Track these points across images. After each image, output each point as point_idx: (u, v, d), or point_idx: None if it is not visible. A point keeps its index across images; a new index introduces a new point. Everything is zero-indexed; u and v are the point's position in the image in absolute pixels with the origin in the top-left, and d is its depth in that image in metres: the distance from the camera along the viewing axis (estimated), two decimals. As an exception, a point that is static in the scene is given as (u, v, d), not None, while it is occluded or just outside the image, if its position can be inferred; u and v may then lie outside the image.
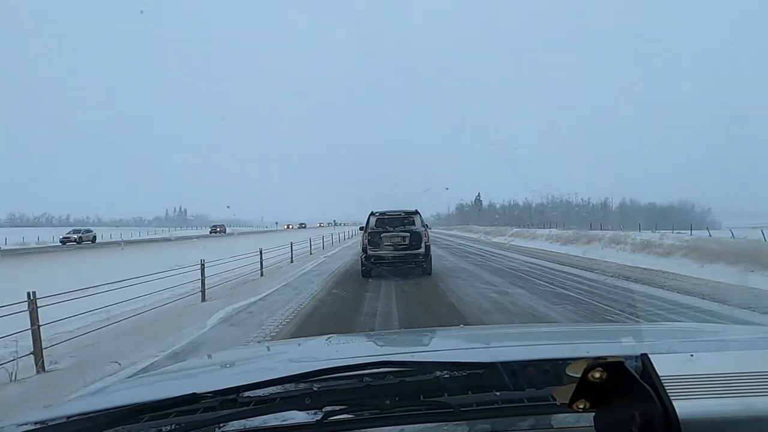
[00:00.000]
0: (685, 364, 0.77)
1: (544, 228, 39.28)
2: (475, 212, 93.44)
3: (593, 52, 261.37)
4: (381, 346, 1.84)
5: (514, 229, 37.25)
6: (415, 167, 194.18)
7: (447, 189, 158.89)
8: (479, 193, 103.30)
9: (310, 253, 20.48)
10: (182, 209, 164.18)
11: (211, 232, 61.94)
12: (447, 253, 20.39)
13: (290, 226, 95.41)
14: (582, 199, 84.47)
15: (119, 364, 4.85)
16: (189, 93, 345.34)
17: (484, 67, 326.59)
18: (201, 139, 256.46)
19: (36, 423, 0.95)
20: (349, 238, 36.55)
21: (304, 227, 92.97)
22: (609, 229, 29.59)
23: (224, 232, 61.32)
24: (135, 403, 1.00)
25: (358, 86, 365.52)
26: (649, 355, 0.74)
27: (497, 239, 32.43)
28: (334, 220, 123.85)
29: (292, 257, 17.47)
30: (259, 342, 5.69)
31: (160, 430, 0.96)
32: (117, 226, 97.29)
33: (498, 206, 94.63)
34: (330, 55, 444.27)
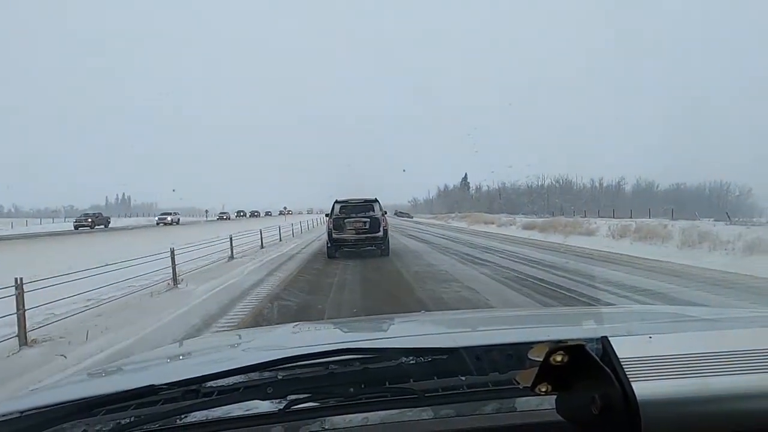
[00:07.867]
0: (644, 346, 0.81)
1: (609, 217, 25.54)
2: (465, 196, 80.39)
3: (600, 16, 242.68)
4: (347, 333, 1.89)
5: (582, 221, 22.69)
6: (388, 154, 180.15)
7: (404, 171, 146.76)
8: (466, 174, 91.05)
9: None
10: (125, 196, 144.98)
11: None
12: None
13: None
14: (592, 180, 72.79)
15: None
16: (132, 61, 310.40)
17: (457, 47, 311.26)
18: (150, 119, 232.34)
19: None
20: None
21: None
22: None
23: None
24: (92, 396, 1.03)
25: (317, 70, 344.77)
26: (609, 338, 0.77)
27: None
28: (286, 207, 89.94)
29: None
30: (223, 331, 5.84)
31: (119, 423, 0.98)
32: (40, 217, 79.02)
33: (486, 189, 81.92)
34: (290, 36, 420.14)
